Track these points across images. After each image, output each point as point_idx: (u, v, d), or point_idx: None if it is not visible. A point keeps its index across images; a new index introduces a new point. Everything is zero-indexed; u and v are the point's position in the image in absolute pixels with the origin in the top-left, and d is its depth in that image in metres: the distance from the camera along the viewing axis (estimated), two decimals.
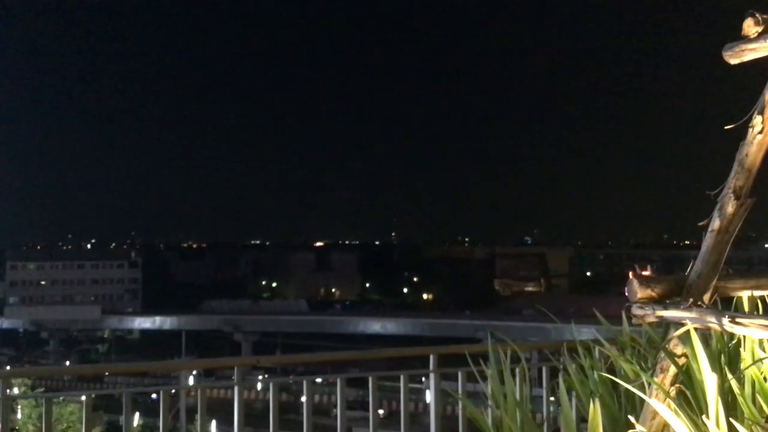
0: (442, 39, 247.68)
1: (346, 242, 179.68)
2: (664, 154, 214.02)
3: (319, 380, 7.76)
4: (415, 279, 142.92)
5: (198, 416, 6.28)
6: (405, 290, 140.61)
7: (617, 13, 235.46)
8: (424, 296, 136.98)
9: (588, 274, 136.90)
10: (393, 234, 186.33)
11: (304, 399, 6.88)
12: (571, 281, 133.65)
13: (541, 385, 6.43)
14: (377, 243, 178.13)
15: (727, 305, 4.55)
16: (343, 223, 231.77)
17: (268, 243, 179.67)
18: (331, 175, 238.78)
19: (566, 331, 5.50)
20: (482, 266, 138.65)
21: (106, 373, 58.49)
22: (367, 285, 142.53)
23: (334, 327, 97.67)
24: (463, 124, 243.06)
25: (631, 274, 4.43)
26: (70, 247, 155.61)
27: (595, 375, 4.82)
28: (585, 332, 5.77)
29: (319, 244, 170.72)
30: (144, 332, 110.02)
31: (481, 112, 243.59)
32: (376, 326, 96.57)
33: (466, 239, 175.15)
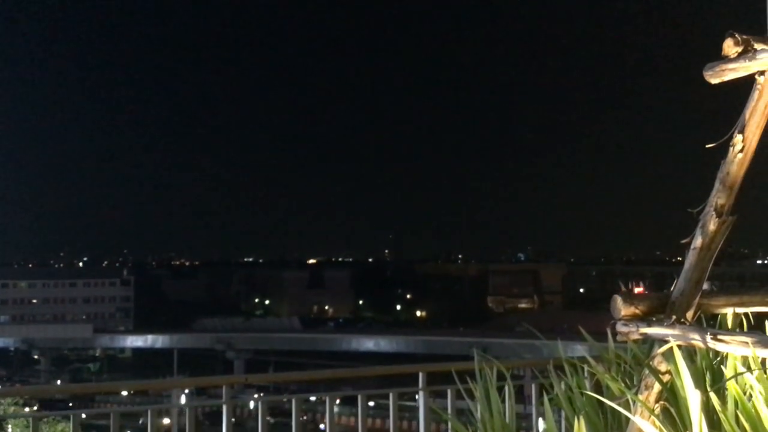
0: (440, 59, 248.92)
1: (339, 259, 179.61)
2: (657, 171, 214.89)
3: (313, 398, 7.74)
4: (408, 296, 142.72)
5: None
6: (398, 307, 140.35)
7: (607, 33, 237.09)
8: (418, 313, 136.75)
9: (581, 290, 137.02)
10: (386, 251, 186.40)
11: (293, 416, 6.89)
12: (564, 298, 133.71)
13: (536, 403, 6.45)
14: (370, 260, 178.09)
15: (715, 323, 4.58)
16: (336, 240, 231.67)
17: (260, 260, 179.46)
18: (324, 193, 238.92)
19: (557, 348, 5.53)
20: (476, 283, 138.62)
21: (124, 392, 57.85)
22: (361, 302, 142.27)
23: (327, 345, 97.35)
24: (457, 142, 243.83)
25: (622, 290, 4.45)
26: (61, 265, 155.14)
27: (581, 392, 4.83)
28: (578, 349, 5.79)
29: (312, 261, 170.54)
30: (136, 351, 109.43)
31: (474, 130, 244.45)
32: (369, 344, 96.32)
33: (460, 256, 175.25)
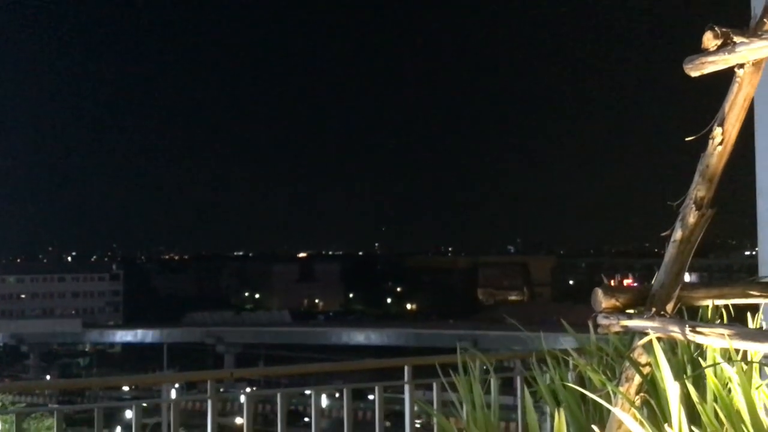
0: (427, 53, 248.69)
1: (329, 253, 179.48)
2: (647, 164, 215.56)
3: (308, 392, 7.77)
4: (398, 289, 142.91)
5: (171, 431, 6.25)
6: (388, 300, 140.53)
7: (593, 26, 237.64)
8: (408, 306, 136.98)
9: (570, 282, 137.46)
10: (376, 244, 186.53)
11: (279, 410, 6.90)
12: (554, 290, 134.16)
13: (521, 395, 6.47)
14: (360, 253, 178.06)
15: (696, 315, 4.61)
16: (326, 233, 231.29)
17: (250, 254, 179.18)
18: (314, 186, 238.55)
19: (547, 339, 5.55)
20: (465, 276, 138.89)
21: (125, 388, 57.59)
22: (351, 295, 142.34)
23: (317, 338, 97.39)
24: (446, 136, 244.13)
25: (612, 283, 4.47)
26: (50, 260, 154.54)
27: (563, 385, 4.85)
28: (564, 341, 5.81)
29: (302, 254, 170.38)
30: (126, 345, 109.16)
31: (463, 124, 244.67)
32: (359, 337, 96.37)
33: (449, 249, 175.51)
